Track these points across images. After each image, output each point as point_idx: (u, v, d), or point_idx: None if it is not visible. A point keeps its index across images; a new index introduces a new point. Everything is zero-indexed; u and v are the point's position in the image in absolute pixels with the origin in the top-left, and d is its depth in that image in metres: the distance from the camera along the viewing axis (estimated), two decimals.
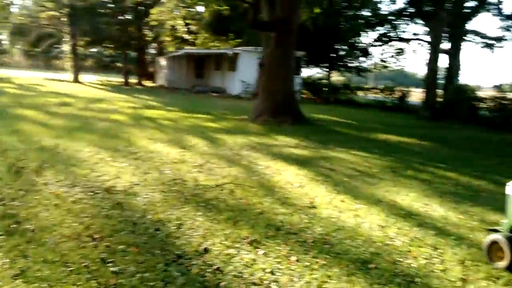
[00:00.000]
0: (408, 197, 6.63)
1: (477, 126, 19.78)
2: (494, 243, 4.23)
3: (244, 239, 4.35)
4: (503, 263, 4.10)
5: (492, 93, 21.94)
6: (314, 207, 5.76)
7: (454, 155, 11.19)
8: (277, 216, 5.23)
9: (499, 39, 27.52)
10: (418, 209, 6.05)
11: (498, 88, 21.56)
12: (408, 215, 5.70)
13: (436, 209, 6.08)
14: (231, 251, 4.05)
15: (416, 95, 28.33)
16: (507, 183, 4.36)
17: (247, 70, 27.70)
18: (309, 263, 3.89)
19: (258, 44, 19.37)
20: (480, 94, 22.87)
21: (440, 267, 4.09)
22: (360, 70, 33.78)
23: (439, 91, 23.57)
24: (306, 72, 37.82)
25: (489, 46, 28.08)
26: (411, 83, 46.06)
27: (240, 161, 8.49)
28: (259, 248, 4.15)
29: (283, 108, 15.34)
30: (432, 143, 13.08)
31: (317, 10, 21.29)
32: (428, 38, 24.78)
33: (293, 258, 3.96)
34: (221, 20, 30.31)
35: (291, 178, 7.31)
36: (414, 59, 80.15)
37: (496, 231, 4.51)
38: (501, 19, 26.91)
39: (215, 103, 22.75)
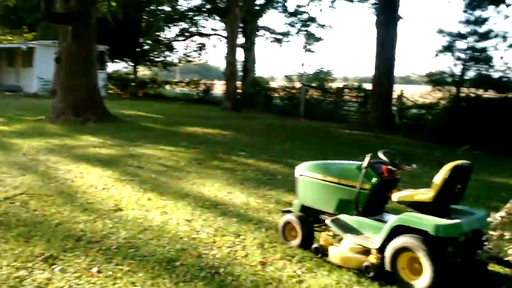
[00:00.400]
0: (213, 187, 6.88)
1: (272, 114, 21.58)
2: (287, 223, 4.64)
3: (37, 256, 3.94)
4: (296, 241, 4.53)
5: (283, 83, 24.21)
6: (119, 209, 5.56)
7: (254, 142, 12.02)
8: (78, 225, 4.88)
9: (286, 34, 30.50)
10: (222, 198, 6.33)
11: (288, 78, 23.88)
12: (213, 206, 5.91)
13: (238, 196, 6.44)
14: (22, 272, 3.63)
15: (220, 88, 29.68)
16: (296, 166, 4.83)
17: (45, 66, 25.14)
18: (112, 272, 3.70)
19: (57, 37, 17.84)
20: (274, 84, 25.02)
21: (242, 253, 4.32)
22: (166, 65, 33.85)
23: (239, 83, 25.06)
24: (112, 66, 36.25)
25: (278, 40, 30.91)
26: (215, 76, 47.93)
27: (36, 167, 7.73)
28: (55, 265, 3.80)
29: (86, 106, 14.46)
30: (234, 133, 13.83)
31: (113, 4, 20.54)
32: (225, 34, 26.08)
33: (95, 270, 3.72)
34: (11, 11, 27.00)
35: (95, 181, 6.93)
36: (216, 53, 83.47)
37: (289, 212, 4.97)
38: (286, 16, 29.85)
39: (8, 103, 20.24)
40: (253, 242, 4.62)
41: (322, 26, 28.83)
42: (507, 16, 13.51)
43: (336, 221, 4.29)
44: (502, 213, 3.22)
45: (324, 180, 4.50)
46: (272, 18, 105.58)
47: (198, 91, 29.75)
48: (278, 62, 79.09)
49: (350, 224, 4.21)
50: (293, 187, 7.12)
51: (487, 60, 13.53)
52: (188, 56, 32.44)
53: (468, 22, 13.70)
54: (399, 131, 15.99)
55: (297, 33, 30.18)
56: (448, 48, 14.07)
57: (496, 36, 13.32)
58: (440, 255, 3.55)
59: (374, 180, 4.18)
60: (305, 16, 28.89)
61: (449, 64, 14.33)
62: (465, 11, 13.76)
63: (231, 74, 22.29)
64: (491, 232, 3.25)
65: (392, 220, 3.82)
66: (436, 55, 14.44)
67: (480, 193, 7.20)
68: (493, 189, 7.88)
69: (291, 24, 29.73)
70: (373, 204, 4.30)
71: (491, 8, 13.52)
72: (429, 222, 3.60)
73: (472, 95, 14.13)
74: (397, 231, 3.77)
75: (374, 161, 4.30)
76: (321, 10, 29.63)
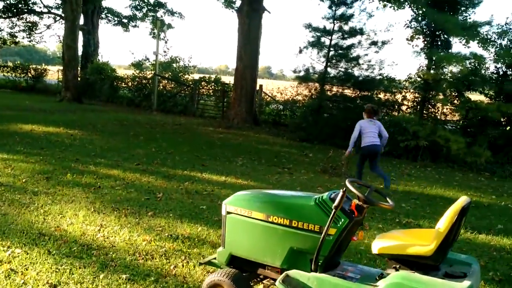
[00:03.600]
0: (78, 219, 5.07)
1: (119, 106, 19.39)
2: (215, 286, 3.25)
3: None
4: None
5: (131, 71, 21.94)
6: None
7: (111, 144, 10.10)
8: None
9: (132, 18, 27.91)
10: (95, 236, 4.60)
11: (136, 66, 21.66)
12: (85, 251, 4.19)
13: (116, 231, 4.77)
14: None
15: (54, 74, 25.94)
16: (223, 202, 3.44)
17: None
18: None
19: None
20: (121, 73, 22.60)
21: None
22: None
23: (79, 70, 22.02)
24: None
25: (123, 24, 28.17)
26: (42, 60, 42.77)
27: None
28: None
29: None
30: (82, 131, 11.61)
31: None
32: (61, 12, 22.66)
33: None
34: None
35: None
36: (47, 34, 73.80)
37: (211, 264, 3.58)
38: None
39: None
40: None
41: (172, 13, 27.01)
42: (370, 15, 13.73)
43: (287, 280, 3.05)
44: None
45: (267, 221, 3.22)
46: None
47: (27, 77, 25.51)
48: (127, 49, 73.53)
49: (308, 285, 3.01)
50: (183, 210, 5.72)
51: (351, 58, 13.54)
52: (15, 36, 27.21)
53: (333, 18, 13.51)
54: (262, 129, 15.40)
55: (143, 17, 27.85)
56: (314, 44, 13.76)
57: (359, 33, 13.38)
58: None
59: (342, 222, 3.04)
60: None
61: (314, 60, 14.01)
62: (330, 7, 13.57)
63: (70, 59, 19.32)
64: None
65: (383, 285, 2.72)
66: (301, 51, 14.03)
67: None
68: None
69: (137, 7, 27.26)
70: (335, 254, 3.16)
71: (356, 4, 13.63)
72: None
73: (335, 92, 14.10)
74: None
75: (334, 193, 3.19)
76: None
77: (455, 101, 12.29)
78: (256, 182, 7.75)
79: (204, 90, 19.93)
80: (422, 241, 2.88)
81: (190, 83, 19.92)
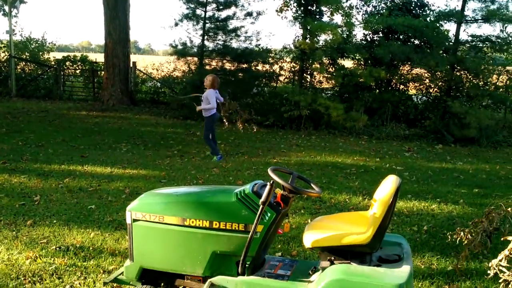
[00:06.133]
0: None
1: None
2: None
3: None
4: None
5: None
6: None
7: None
8: None
9: None
10: None
11: None
12: None
13: None
14: None
15: None
16: (127, 208, 2.93)
17: None
18: None
19: None
20: None
21: None
22: None
23: None
24: None
25: None
26: None
27: None
28: None
29: None
30: None
31: None
32: None
33: None
34: None
35: None
36: None
37: (118, 281, 3.06)
38: None
39: None
40: None
41: None
42: None
43: None
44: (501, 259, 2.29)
45: (184, 226, 2.81)
46: None
47: None
48: None
49: None
50: (68, 214, 5.00)
51: (228, 30, 13.19)
52: None
53: None
54: (141, 109, 14.52)
55: None
56: (189, 16, 13.14)
57: (234, 4, 13.05)
58: None
59: (269, 217, 2.75)
60: None
61: (190, 33, 13.39)
62: None
63: None
64: None
65: (322, 283, 2.49)
66: (176, 24, 13.32)
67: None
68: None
69: None
70: (262, 252, 2.88)
71: None
72: (382, 281, 2.43)
73: (215, 66, 13.68)
74: None
75: (261, 185, 2.89)
76: None
77: (330, 69, 12.68)
78: (147, 169, 7.17)
79: (70, 71, 18.23)
80: (356, 228, 2.70)
81: (53, 63, 18.05)
